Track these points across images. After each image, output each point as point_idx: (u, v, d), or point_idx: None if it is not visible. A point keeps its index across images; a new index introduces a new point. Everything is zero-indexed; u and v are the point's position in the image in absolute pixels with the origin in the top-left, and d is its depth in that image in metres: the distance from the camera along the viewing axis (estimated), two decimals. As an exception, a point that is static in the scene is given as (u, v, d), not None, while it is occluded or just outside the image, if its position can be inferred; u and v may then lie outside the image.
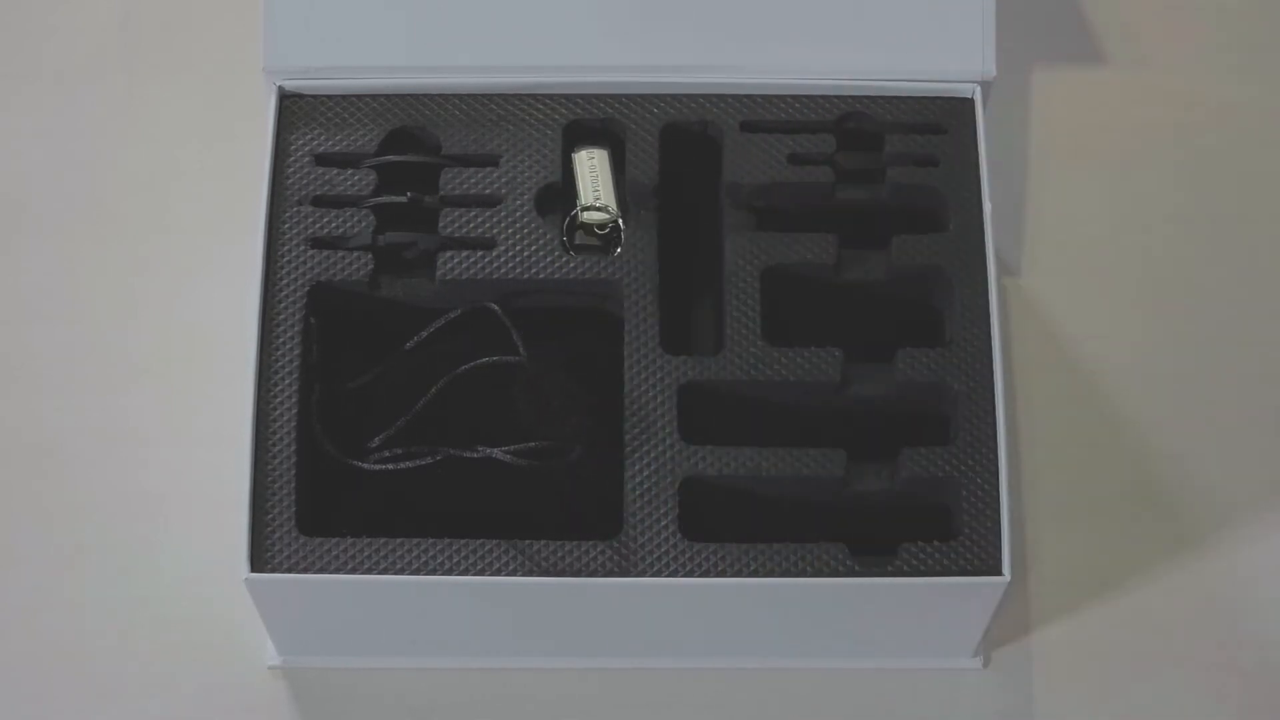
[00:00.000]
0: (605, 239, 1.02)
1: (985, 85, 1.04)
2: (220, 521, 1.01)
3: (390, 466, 0.96)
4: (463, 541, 0.95)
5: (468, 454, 0.96)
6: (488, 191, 1.02)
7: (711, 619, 0.99)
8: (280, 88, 1.03)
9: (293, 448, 0.96)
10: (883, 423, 1.00)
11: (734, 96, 1.04)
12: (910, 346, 0.99)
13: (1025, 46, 1.19)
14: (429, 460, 0.96)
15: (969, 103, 1.04)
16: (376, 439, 0.97)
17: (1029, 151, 1.18)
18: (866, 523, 0.98)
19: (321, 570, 0.94)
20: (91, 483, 1.08)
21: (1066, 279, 1.14)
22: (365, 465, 0.96)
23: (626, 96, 1.04)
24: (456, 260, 1.00)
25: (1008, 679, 1.04)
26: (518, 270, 1.00)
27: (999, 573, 0.95)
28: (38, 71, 1.18)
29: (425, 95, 1.04)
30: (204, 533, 1.05)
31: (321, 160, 1.02)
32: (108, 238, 1.14)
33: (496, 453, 0.95)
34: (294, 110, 1.03)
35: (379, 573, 0.94)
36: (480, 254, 1.00)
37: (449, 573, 0.94)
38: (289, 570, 0.94)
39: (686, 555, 0.95)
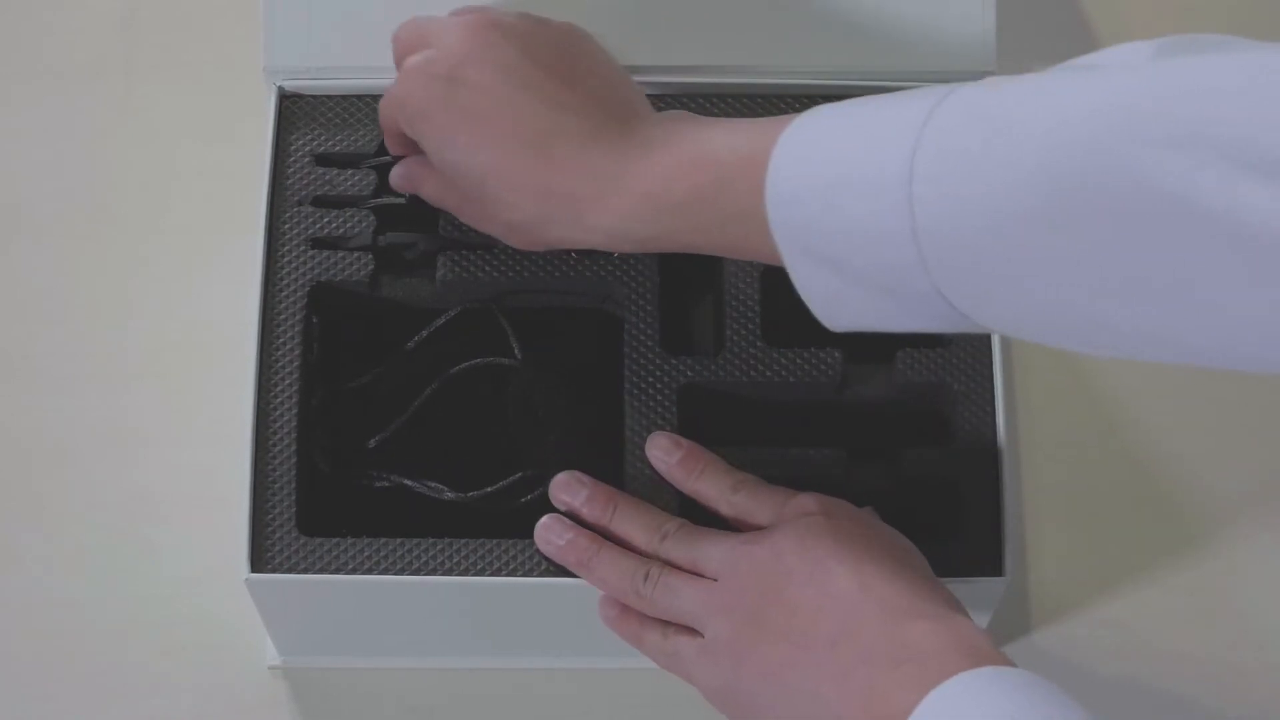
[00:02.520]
0: (605, 239, 1.02)
1: (985, 85, 1.04)
2: (220, 522, 1.00)
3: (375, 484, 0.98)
4: (462, 541, 0.95)
5: (419, 489, 0.96)
6: (488, 192, 1.02)
7: (711, 619, 0.99)
8: (280, 88, 1.03)
9: (293, 448, 0.96)
10: (883, 423, 1.00)
11: (734, 96, 1.04)
12: (910, 346, 0.99)
13: (1025, 46, 1.19)
14: (386, 484, 0.97)
15: (969, 103, 1.04)
16: (373, 440, 0.97)
17: (1029, 151, 1.17)
18: (866, 523, 0.98)
19: (321, 570, 0.94)
20: (91, 483, 1.08)
21: (1066, 279, 1.14)
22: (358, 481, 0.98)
23: (626, 96, 1.04)
24: (456, 260, 1.00)
25: (1008, 679, 1.04)
26: (517, 270, 1.00)
27: (999, 573, 0.95)
28: (38, 71, 1.18)
29: (425, 95, 1.04)
30: (204, 533, 1.05)
31: (321, 160, 1.02)
32: (107, 237, 1.14)
33: (448, 493, 0.96)
34: (294, 110, 1.03)
35: (379, 573, 0.94)
36: (480, 254, 1.00)
37: (449, 573, 0.94)
38: (289, 570, 0.94)
39: (686, 555, 0.95)
